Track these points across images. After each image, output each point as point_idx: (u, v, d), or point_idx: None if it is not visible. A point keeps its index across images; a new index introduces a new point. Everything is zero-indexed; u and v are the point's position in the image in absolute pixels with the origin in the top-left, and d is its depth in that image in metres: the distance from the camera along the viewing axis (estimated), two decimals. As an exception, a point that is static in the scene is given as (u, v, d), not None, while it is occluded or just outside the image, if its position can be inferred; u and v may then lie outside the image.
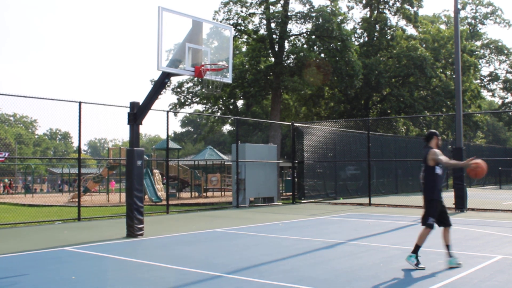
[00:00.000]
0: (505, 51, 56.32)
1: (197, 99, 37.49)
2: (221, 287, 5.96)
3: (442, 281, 6.17)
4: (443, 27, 50.36)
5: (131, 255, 8.35)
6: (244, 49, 34.20)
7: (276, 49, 30.77)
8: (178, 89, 37.82)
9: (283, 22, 30.05)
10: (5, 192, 40.27)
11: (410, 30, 41.16)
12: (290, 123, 22.96)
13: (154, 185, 25.34)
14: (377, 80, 34.59)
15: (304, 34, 31.55)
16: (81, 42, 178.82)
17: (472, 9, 58.96)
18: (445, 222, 7.10)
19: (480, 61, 53.86)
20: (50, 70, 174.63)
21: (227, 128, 65.11)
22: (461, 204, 15.91)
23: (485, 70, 59.82)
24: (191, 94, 37.93)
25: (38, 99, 12.85)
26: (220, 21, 29.62)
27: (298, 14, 30.71)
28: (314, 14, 30.04)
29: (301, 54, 29.40)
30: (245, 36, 32.55)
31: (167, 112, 16.78)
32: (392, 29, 38.48)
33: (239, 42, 33.22)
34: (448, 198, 19.18)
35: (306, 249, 8.67)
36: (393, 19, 39.49)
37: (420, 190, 7.48)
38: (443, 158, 7.08)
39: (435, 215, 7.03)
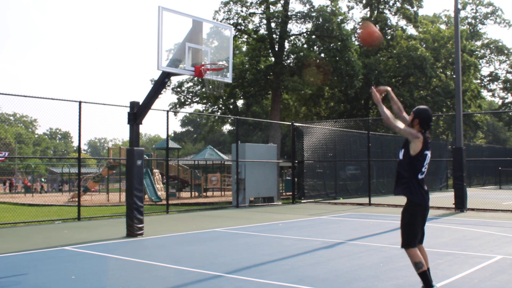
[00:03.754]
0: (505, 51, 56.36)
1: (197, 99, 37.48)
2: (221, 287, 5.96)
3: (442, 281, 6.16)
4: (443, 27, 50.34)
5: (131, 254, 8.34)
6: (244, 48, 34.20)
7: (276, 49, 30.76)
8: (178, 89, 37.81)
9: (283, 22, 30.05)
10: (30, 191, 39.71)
11: (410, 30, 41.20)
12: (290, 123, 22.95)
13: (154, 185, 25.35)
14: (377, 80, 34.58)
15: (304, 34, 31.54)
16: (82, 41, 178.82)
17: (472, 9, 58.98)
18: None
19: (480, 61, 53.86)
20: (50, 69, 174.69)
21: (227, 128, 65.14)
22: (461, 204, 15.91)
23: (485, 70, 60.02)
24: (191, 94, 37.92)
25: (38, 99, 12.85)
26: (220, 21, 29.61)
27: (298, 14, 30.70)
28: (314, 14, 30.05)
29: (301, 54, 29.41)
30: (245, 36, 32.54)
31: (167, 111, 16.77)
32: (392, 29, 38.48)
33: (239, 42, 33.21)
34: (448, 198, 19.29)
35: (306, 249, 8.66)
36: (393, 19, 39.54)
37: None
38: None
39: None
